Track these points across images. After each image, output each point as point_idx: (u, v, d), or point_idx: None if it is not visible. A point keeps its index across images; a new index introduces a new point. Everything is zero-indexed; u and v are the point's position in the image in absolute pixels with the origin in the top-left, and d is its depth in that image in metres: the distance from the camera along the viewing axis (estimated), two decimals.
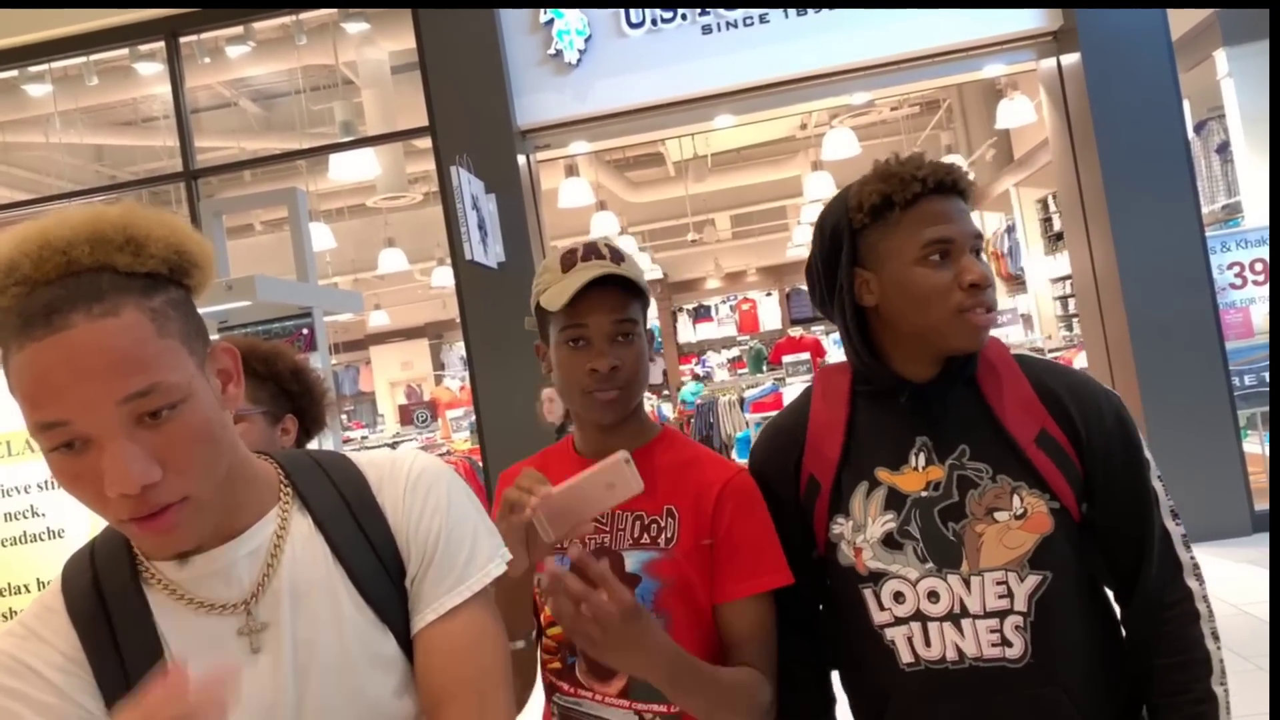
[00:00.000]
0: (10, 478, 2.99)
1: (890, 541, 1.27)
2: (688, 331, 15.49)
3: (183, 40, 6.10)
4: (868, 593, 1.28)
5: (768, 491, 1.36)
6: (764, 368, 11.90)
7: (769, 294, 15.40)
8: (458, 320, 5.91)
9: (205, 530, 0.89)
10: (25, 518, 2.98)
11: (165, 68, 6.11)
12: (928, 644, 1.25)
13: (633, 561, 1.31)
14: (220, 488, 0.88)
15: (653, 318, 13.15)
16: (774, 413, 9.04)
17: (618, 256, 1.34)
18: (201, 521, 0.87)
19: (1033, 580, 1.22)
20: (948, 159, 1.30)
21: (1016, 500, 1.24)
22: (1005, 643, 1.23)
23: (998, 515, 1.24)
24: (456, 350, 14.90)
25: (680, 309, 15.51)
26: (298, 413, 1.73)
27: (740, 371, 13.33)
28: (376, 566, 0.96)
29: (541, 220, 6.15)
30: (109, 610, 0.90)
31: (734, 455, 8.39)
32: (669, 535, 1.31)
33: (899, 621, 1.27)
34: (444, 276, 11.48)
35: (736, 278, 15.45)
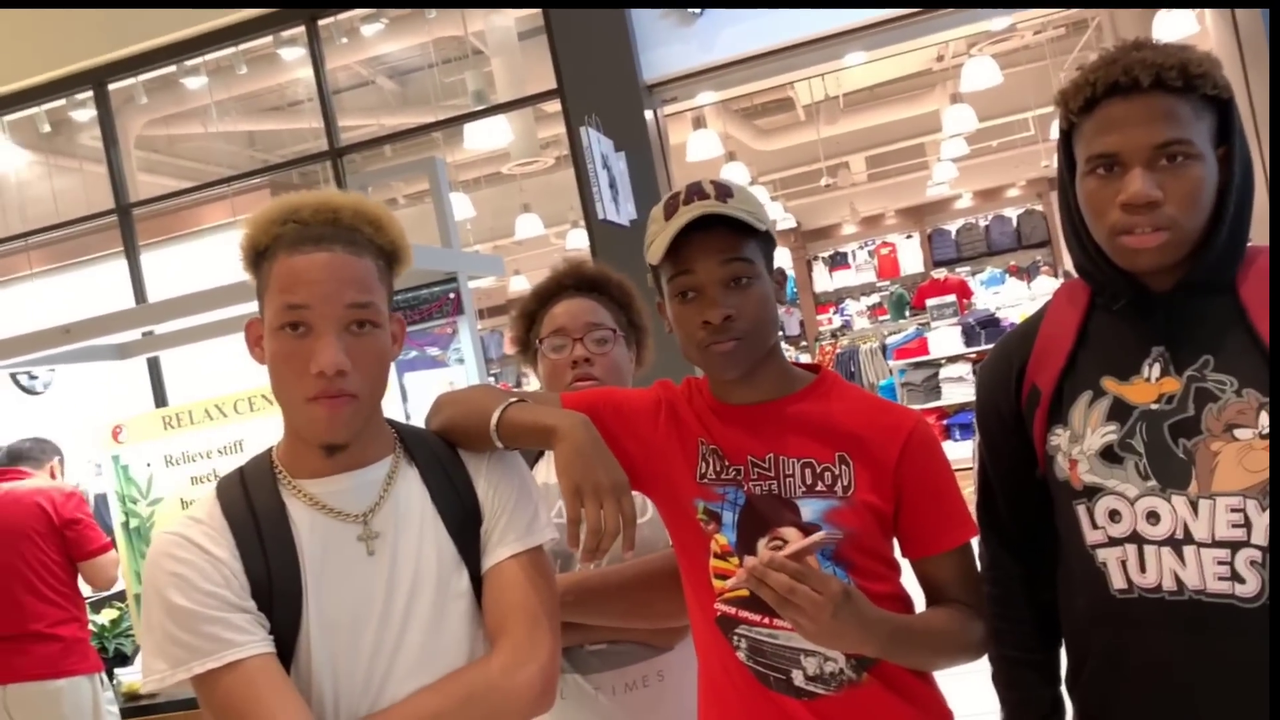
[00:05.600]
0: (195, 444, 3.25)
1: (1109, 455, 1.17)
2: (824, 280, 15.19)
3: (320, 24, 6.35)
4: (1081, 509, 1.19)
5: (988, 402, 1.29)
6: (907, 313, 11.57)
7: (909, 236, 14.87)
8: None
9: (355, 431, 1.15)
10: (210, 480, 3.23)
11: (307, 51, 6.38)
12: (1143, 569, 1.15)
13: (810, 511, 1.24)
14: (372, 405, 1.17)
15: (785, 264, 12.90)
16: (919, 358, 8.63)
17: (725, 193, 1.24)
18: (357, 421, 1.14)
19: None
20: None
21: (1264, 417, 1.09)
22: (1236, 577, 1.10)
23: (1238, 433, 1.11)
24: None
25: (815, 257, 15.20)
26: (637, 346, 1.73)
27: (881, 318, 13.00)
28: (460, 512, 1.21)
29: (671, 176, 6.13)
30: (255, 510, 1.14)
31: None
32: (845, 483, 1.23)
33: (1112, 542, 1.17)
34: (578, 239, 11.63)
35: (873, 221, 15.00)
